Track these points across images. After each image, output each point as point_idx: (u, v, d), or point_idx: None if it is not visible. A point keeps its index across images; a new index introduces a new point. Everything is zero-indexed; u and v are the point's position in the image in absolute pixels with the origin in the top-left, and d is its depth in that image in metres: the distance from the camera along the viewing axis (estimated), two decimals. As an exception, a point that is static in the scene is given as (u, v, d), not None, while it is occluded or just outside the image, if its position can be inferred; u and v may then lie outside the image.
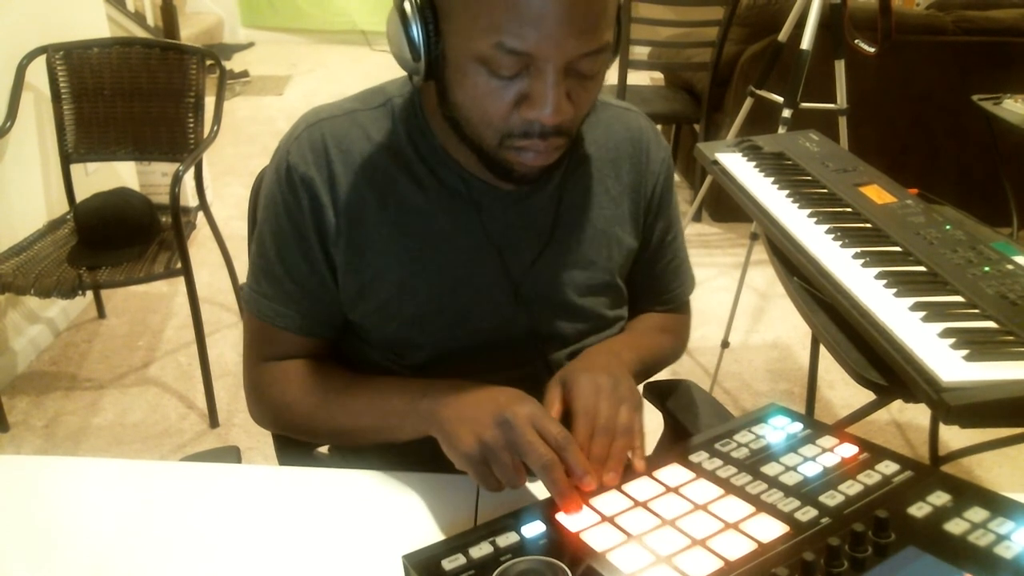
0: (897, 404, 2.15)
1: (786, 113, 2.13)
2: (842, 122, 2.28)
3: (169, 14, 4.39)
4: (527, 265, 0.92)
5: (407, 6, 0.75)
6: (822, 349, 1.97)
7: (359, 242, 0.88)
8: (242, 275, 2.73)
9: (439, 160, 0.88)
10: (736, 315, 2.40)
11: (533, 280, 0.92)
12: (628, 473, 0.76)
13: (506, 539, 0.67)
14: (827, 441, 0.79)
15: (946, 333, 0.94)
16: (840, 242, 1.17)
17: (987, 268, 1.08)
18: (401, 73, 0.90)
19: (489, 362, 0.90)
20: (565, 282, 0.94)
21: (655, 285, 1.06)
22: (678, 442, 0.83)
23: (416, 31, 0.75)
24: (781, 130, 2.11)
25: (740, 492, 0.72)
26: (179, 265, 2.01)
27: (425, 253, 0.88)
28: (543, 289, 0.93)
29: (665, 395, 1.12)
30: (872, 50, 2.10)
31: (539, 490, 0.77)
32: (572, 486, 0.71)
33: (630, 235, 0.98)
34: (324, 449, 1.12)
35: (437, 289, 0.89)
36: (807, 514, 0.68)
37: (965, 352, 0.91)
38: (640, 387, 1.09)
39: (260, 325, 0.93)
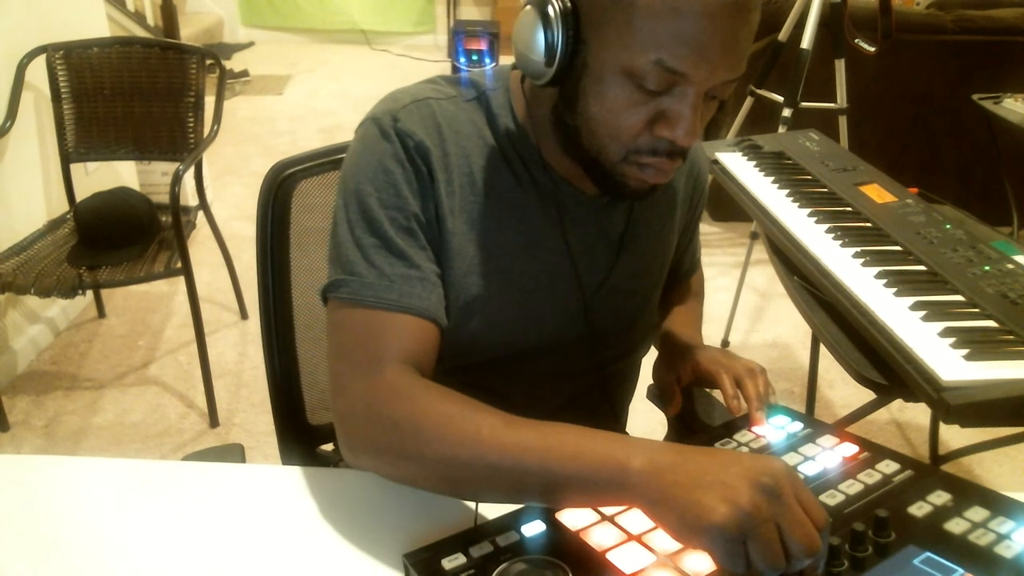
0: (897, 403, 2.15)
1: (786, 112, 2.13)
2: (842, 121, 2.28)
3: (169, 13, 4.38)
4: (601, 274, 0.92)
5: (551, 10, 0.73)
6: (822, 348, 1.98)
7: (463, 227, 0.84)
8: (242, 275, 2.70)
9: (533, 159, 0.86)
10: (736, 314, 2.40)
11: (603, 289, 0.92)
12: None
13: (506, 538, 0.67)
14: (827, 440, 0.79)
15: (946, 332, 0.94)
16: (840, 241, 1.17)
17: (987, 267, 1.08)
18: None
19: (547, 369, 0.91)
20: (629, 291, 0.95)
21: (683, 266, 1.12)
22: (679, 442, 0.83)
23: (556, 37, 0.73)
24: (781, 129, 2.12)
25: (740, 491, 0.72)
26: (179, 264, 2.01)
27: (513, 251, 0.86)
28: (610, 299, 0.93)
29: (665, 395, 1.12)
30: (872, 49, 2.10)
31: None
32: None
33: (675, 243, 1.02)
34: (327, 447, 1.13)
35: (516, 289, 0.87)
36: (807, 513, 0.68)
37: (965, 351, 0.91)
38: (643, 388, 1.10)
39: (372, 320, 0.78)
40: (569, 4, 0.73)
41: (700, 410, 1.07)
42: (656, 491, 0.61)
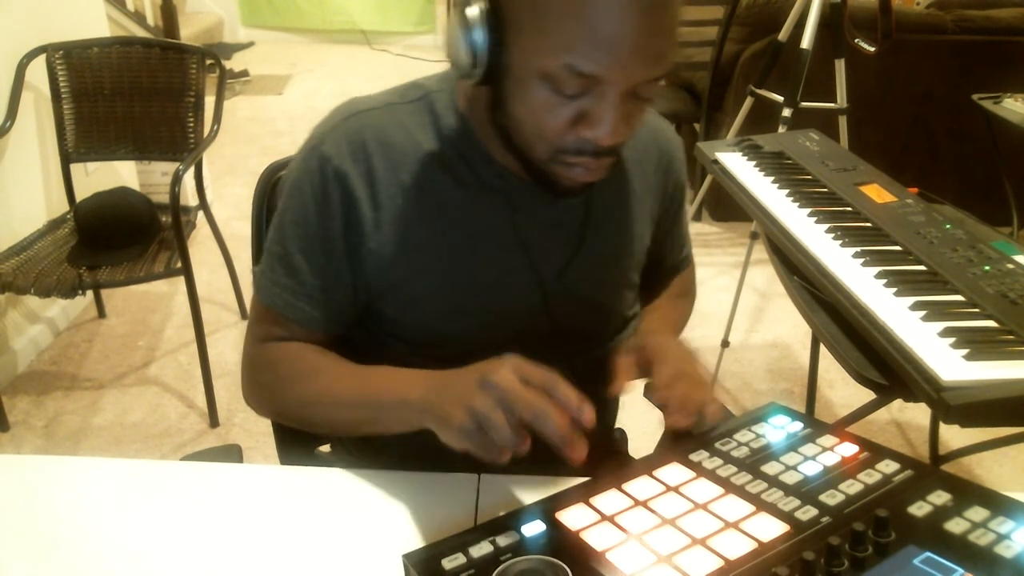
0: (897, 403, 2.15)
1: (786, 112, 2.13)
2: (842, 121, 2.28)
3: (169, 13, 4.38)
4: (559, 265, 0.92)
5: (471, 12, 0.74)
6: (822, 348, 1.98)
7: (395, 237, 0.86)
8: (242, 275, 2.71)
9: (477, 157, 0.87)
10: (736, 314, 2.40)
11: (564, 280, 0.92)
12: (627, 470, 0.76)
13: (506, 538, 0.67)
14: (827, 440, 0.79)
15: (946, 332, 0.94)
16: (840, 241, 1.17)
17: (987, 267, 1.08)
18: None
19: None
20: (594, 282, 0.95)
21: (669, 263, 1.11)
22: (679, 442, 0.83)
23: (478, 38, 0.74)
24: (781, 129, 2.12)
25: (740, 491, 0.72)
26: (179, 265, 2.01)
27: (462, 249, 0.88)
28: (574, 289, 0.93)
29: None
30: (872, 49, 2.10)
31: (539, 490, 0.77)
32: (571, 428, 0.68)
33: (647, 234, 1.01)
34: (325, 448, 1.13)
35: (472, 286, 0.89)
36: (807, 513, 0.68)
37: (965, 351, 0.91)
38: (641, 386, 1.10)
39: (266, 312, 0.92)
40: (490, 6, 0.74)
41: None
42: (428, 413, 0.75)
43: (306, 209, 0.87)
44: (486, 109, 0.82)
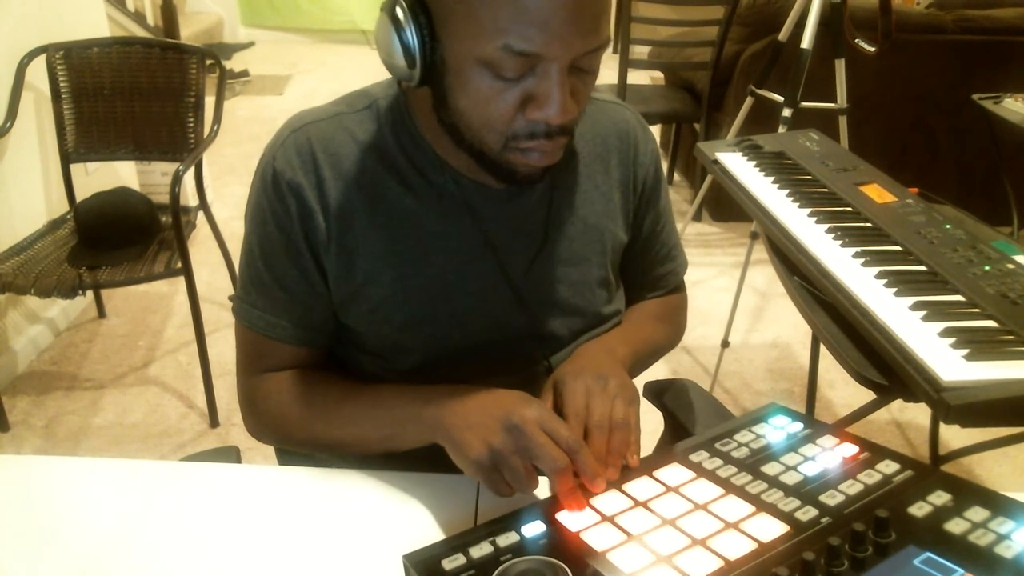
0: (897, 403, 2.15)
1: (786, 112, 2.13)
2: (842, 121, 2.28)
3: (169, 13, 4.39)
4: (523, 265, 0.91)
5: (399, 12, 0.74)
6: (822, 348, 1.98)
7: (350, 246, 0.86)
8: (242, 275, 2.65)
9: (428, 162, 0.87)
10: (736, 314, 2.40)
11: (529, 281, 0.91)
12: (624, 470, 0.76)
13: (506, 539, 0.67)
14: (827, 441, 0.79)
15: (946, 332, 0.94)
16: (840, 241, 1.17)
17: (987, 267, 1.08)
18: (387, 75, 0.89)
19: (484, 366, 0.90)
20: (561, 281, 0.93)
21: (648, 274, 1.07)
22: (678, 441, 0.83)
23: (410, 37, 0.74)
24: (781, 129, 2.12)
25: (740, 492, 0.72)
26: (179, 265, 2.01)
27: (417, 257, 0.87)
28: (540, 289, 0.92)
29: (665, 395, 1.12)
30: (872, 49, 2.10)
31: (539, 491, 0.76)
32: (579, 488, 0.72)
33: (621, 229, 0.98)
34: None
35: (430, 293, 0.88)
36: (807, 514, 0.68)
37: (965, 351, 0.91)
38: (640, 386, 1.10)
39: (252, 336, 0.92)
40: (416, 3, 0.73)
41: (681, 416, 1.07)
42: (441, 431, 0.77)
43: (268, 227, 0.87)
44: (432, 110, 0.81)
